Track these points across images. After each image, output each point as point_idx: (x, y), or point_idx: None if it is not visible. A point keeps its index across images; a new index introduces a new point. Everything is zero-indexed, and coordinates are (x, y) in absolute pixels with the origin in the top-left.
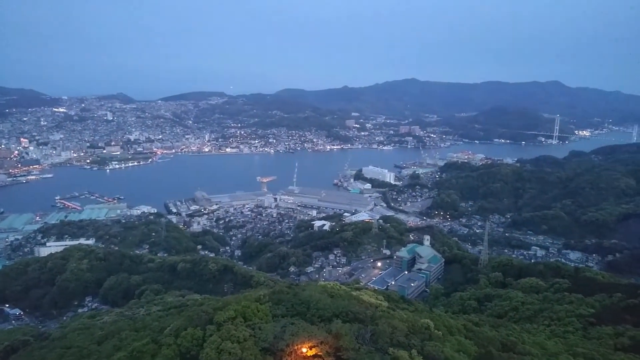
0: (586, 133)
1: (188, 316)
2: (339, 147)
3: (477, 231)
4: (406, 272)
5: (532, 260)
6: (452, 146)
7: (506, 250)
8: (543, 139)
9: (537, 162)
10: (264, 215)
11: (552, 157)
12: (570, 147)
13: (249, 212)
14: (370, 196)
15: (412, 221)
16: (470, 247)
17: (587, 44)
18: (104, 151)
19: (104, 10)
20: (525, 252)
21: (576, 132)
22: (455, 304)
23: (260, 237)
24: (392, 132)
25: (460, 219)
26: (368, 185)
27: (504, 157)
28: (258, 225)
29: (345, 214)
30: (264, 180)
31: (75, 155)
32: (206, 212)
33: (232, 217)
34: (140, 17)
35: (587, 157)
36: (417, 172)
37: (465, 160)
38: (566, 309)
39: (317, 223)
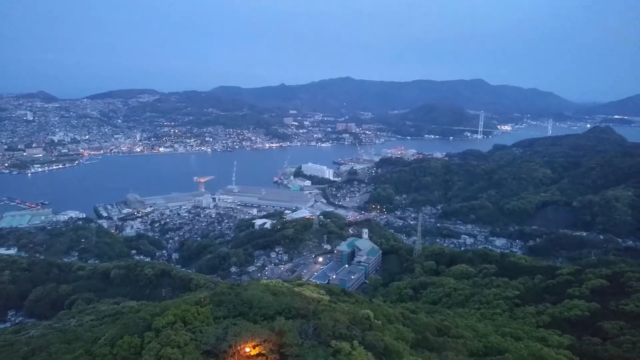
0: (507, 127)
1: (124, 324)
2: (278, 144)
3: (411, 223)
4: (346, 266)
5: (462, 248)
6: (386, 142)
7: (438, 240)
8: (469, 134)
9: (464, 156)
10: (202, 216)
11: (478, 150)
12: (494, 141)
13: (186, 214)
14: (310, 193)
15: (351, 216)
16: (405, 238)
17: (508, 44)
18: (25, 153)
19: (17, 3)
20: (455, 241)
21: (499, 126)
22: (393, 293)
23: (198, 238)
24: (329, 129)
25: (396, 212)
26: (308, 182)
27: (434, 151)
28: (196, 227)
29: (286, 211)
30: (202, 180)
31: None
32: (140, 215)
33: (168, 220)
34: (61, 10)
35: (509, 150)
36: (354, 168)
37: (399, 156)
38: (494, 293)
39: (258, 222)
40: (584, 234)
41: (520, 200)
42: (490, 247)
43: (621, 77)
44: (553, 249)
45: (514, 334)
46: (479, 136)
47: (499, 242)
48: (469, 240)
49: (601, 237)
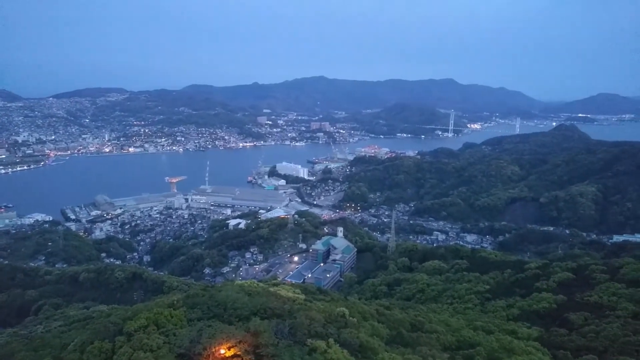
0: (477, 126)
1: (94, 329)
2: (251, 144)
3: (385, 220)
4: (322, 264)
5: (434, 245)
6: (360, 141)
7: (411, 237)
8: (440, 133)
9: (435, 154)
10: (174, 217)
11: (448, 149)
12: (464, 139)
13: (157, 215)
14: (285, 192)
15: (326, 214)
16: (379, 235)
17: (477, 45)
18: None
19: None
20: (428, 237)
21: (468, 125)
22: (367, 290)
23: (171, 240)
24: (303, 128)
25: (370, 210)
26: (282, 182)
27: (407, 150)
28: (168, 228)
29: (261, 211)
30: (173, 181)
31: None
32: (109, 217)
33: (139, 221)
34: (22, 7)
35: (479, 148)
36: (329, 167)
37: (372, 154)
38: (465, 288)
39: (232, 222)
40: (551, 228)
41: (489, 197)
42: (461, 243)
43: (584, 77)
44: (522, 243)
45: (485, 328)
46: (450, 135)
47: (470, 238)
48: (441, 237)
49: (567, 231)
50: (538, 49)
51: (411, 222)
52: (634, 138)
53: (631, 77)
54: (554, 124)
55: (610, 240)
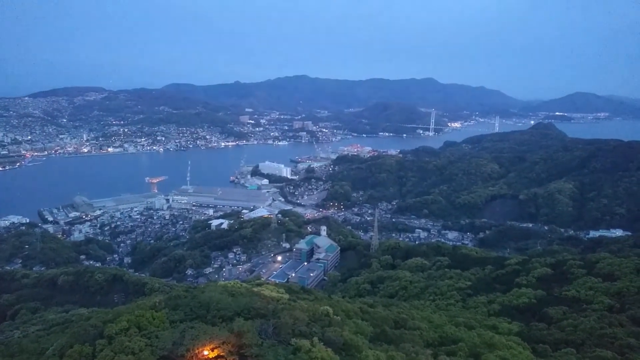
0: (457, 125)
1: (74, 332)
2: (234, 143)
3: (368, 219)
4: (305, 263)
5: (417, 242)
6: (342, 140)
7: (394, 235)
8: (421, 131)
9: (417, 153)
10: (155, 217)
11: (430, 147)
12: (445, 138)
13: (138, 216)
14: (268, 191)
15: (309, 213)
16: (362, 234)
17: (456, 45)
18: None
19: None
20: (410, 235)
21: (449, 124)
22: (351, 288)
23: (152, 241)
24: (286, 127)
25: (353, 208)
26: (265, 181)
27: (389, 149)
28: (149, 229)
29: (244, 210)
30: (154, 181)
31: None
32: (88, 218)
33: (119, 222)
34: None
35: (459, 146)
36: (312, 166)
37: (355, 153)
38: (447, 284)
39: (215, 222)
40: (530, 225)
41: (470, 195)
42: (443, 240)
43: (562, 77)
44: (502, 240)
45: (467, 324)
46: (431, 133)
47: (451, 235)
48: (423, 234)
49: (545, 227)
50: (517, 49)
51: (394, 220)
52: (609, 136)
53: (606, 76)
54: (532, 122)
55: (587, 236)
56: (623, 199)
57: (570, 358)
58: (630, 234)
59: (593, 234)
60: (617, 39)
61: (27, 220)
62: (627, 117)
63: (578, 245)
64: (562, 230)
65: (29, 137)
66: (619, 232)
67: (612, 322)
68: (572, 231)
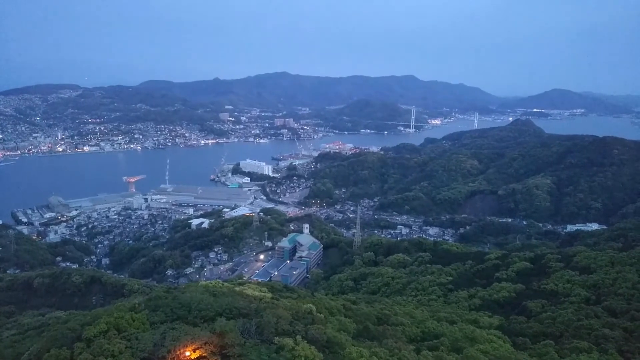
0: (437, 122)
1: (51, 336)
2: (214, 141)
3: (350, 216)
4: (288, 261)
5: (399, 238)
6: (324, 137)
7: (376, 231)
8: (402, 128)
9: (398, 150)
10: (133, 217)
11: (411, 144)
12: (425, 135)
13: (115, 216)
14: (249, 190)
15: (291, 211)
16: (345, 231)
17: (436, 41)
18: None
19: None
20: (392, 231)
21: (429, 121)
22: (334, 286)
23: (130, 241)
24: (267, 124)
25: (335, 206)
26: (247, 179)
27: (370, 146)
28: (127, 229)
29: (225, 209)
30: (131, 180)
31: None
32: (64, 219)
33: (96, 223)
34: None
35: (439, 143)
36: (293, 164)
37: (337, 150)
38: (429, 280)
39: (195, 221)
40: (509, 220)
41: (450, 191)
42: (424, 236)
43: (539, 73)
44: (481, 235)
45: (449, 318)
46: (412, 130)
47: (432, 231)
48: (405, 230)
49: (524, 222)
50: (495, 46)
51: (376, 216)
52: (584, 132)
53: (582, 73)
54: (511, 119)
55: (564, 230)
56: (598, 193)
57: (549, 350)
58: (605, 227)
59: (570, 228)
60: (593, 36)
61: (0, 222)
62: (602, 113)
63: (556, 240)
64: (540, 224)
65: (1, 136)
66: (594, 226)
67: (588, 313)
68: (550, 226)
